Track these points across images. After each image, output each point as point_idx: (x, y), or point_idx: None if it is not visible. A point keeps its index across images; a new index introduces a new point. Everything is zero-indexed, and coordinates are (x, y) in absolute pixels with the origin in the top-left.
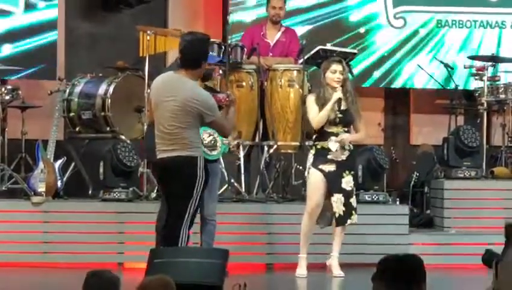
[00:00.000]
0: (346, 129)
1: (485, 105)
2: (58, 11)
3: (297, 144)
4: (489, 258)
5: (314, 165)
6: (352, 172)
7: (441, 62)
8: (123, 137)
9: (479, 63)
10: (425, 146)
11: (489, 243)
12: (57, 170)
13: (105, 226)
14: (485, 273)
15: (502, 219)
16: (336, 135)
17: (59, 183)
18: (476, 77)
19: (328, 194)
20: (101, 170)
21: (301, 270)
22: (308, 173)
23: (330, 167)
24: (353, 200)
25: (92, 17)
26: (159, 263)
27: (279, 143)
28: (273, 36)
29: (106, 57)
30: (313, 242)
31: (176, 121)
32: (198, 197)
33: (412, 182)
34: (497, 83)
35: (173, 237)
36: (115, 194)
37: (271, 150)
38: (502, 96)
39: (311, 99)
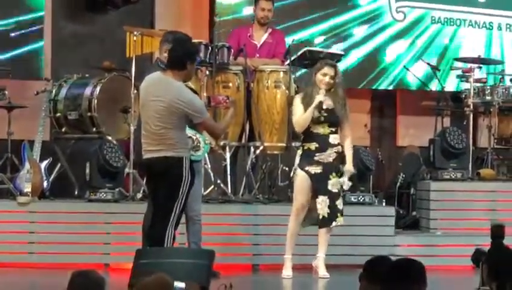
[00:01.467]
0: (333, 129)
1: (471, 107)
2: (45, 12)
3: (284, 145)
4: (478, 258)
5: (300, 166)
6: (339, 173)
7: (428, 64)
8: (109, 138)
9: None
10: (411, 147)
11: (475, 244)
12: (43, 170)
13: (91, 227)
14: (471, 274)
15: (487, 220)
16: (323, 135)
17: (45, 184)
18: (463, 79)
19: (314, 195)
20: (87, 170)
21: (287, 271)
22: (294, 173)
23: (316, 169)
24: (339, 203)
25: (78, 17)
26: (145, 263)
27: (265, 144)
28: (260, 37)
29: (93, 57)
30: (299, 243)
31: (161, 121)
32: (184, 198)
33: (398, 184)
34: (484, 84)
35: (159, 238)
36: (101, 195)
37: (257, 151)
38: (488, 98)
39: (297, 100)
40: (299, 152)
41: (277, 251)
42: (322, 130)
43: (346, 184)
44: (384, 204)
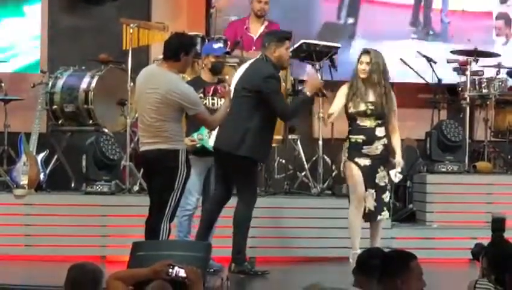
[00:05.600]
0: (379, 122)
1: (468, 100)
2: (41, 4)
3: (280, 137)
4: (478, 251)
5: (350, 158)
6: (386, 168)
7: (424, 56)
8: (106, 130)
9: (461, 58)
10: (408, 140)
11: (471, 237)
12: (39, 162)
13: (88, 219)
14: (467, 267)
15: (484, 213)
16: (369, 128)
17: (42, 176)
18: (459, 71)
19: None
20: (84, 163)
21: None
22: (344, 166)
23: (365, 161)
24: (385, 196)
25: (75, 9)
26: (141, 255)
27: None
28: (256, 30)
29: (89, 49)
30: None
31: (156, 113)
32: (179, 191)
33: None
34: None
35: (154, 230)
36: (97, 187)
37: None
38: (485, 90)
39: (341, 91)
40: (346, 144)
41: (273, 243)
42: (369, 122)
43: (398, 176)
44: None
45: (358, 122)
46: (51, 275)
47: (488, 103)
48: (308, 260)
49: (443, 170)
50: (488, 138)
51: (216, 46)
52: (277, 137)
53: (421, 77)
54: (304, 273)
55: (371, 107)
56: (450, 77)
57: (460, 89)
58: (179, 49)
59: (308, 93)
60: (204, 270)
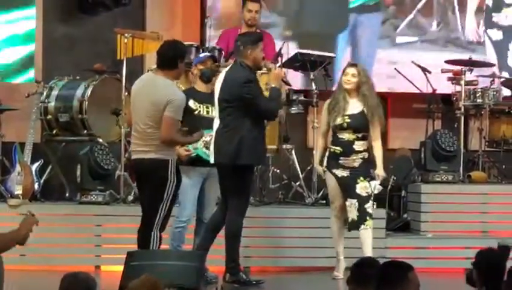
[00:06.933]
0: (358, 135)
1: (463, 109)
2: (35, 13)
3: (275, 147)
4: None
5: (328, 168)
6: (367, 178)
7: (419, 66)
8: (100, 140)
9: (456, 67)
10: (402, 150)
11: (465, 247)
12: (33, 172)
13: (82, 229)
14: (462, 277)
15: (478, 223)
16: (347, 141)
17: (36, 186)
18: (453, 81)
19: (344, 198)
20: (78, 172)
21: (336, 272)
22: (325, 174)
23: (343, 173)
24: (368, 206)
25: (69, 19)
26: (136, 265)
27: None
28: None
29: (84, 59)
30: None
31: (150, 120)
32: (169, 201)
33: (389, 186)
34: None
35: (145, 239)
36: (92, 197)
37: None
38: (479, 100)
39: (324, 108)
40: (327, 153)
41: (267, 253)
42: (347, 135)
43: (377, 188)
44: (375, 206)
45: (337, 134)
46: (45, 285)
47: (482, 112)
48: (302, 270)
49: (437, 179)
50: (482, 148)
51: (202, 54)
52: (271, 146)
53: (416, 87)
54: (298, 283)
55: (347, 120)
56: (444, 86)
57: (454, 98)
58: (175, 57)
59: (274, 85)
60: (198, 279)
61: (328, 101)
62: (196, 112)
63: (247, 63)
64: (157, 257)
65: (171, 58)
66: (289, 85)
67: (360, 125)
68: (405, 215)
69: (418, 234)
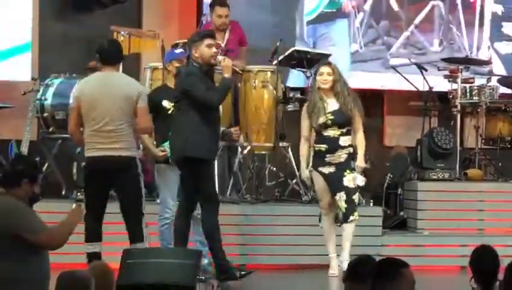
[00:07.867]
0: (343, 131)
1: (459, 107)
2: (31, 11)
3: (271, 145)
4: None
5: (314, 166)
6: (353, 171)
7: (415, 64)
8: None
9: (452, 65)
10: (399, 148)
11: (462, 245)
12: None
13: (78, 227)
14: (458, 275)
15: (475, 220)
16: (333, 138)
17: None
18: (450, 79)
19: (332, 194)
20: (75, 170)
21: (332, 270)
22: (311, 174)
23: (330, 169)
24: (355, 197)
25: (65, 17)
26: (132, 263)
27: (253, 144)
28: (222, 39)
29: (80, 57)
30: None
31: (124, 116)
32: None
33: (386, 184)
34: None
35: (139, 235)
36: None
37: (245, 151)
38: (476, 98)
39: (302, 113)
40: (311, 153)
41: (264, 251)
42: (332, 132)
43: (360, 179)
44: (371, 204)
45: (322, 132)
46: None
47: (479, 110)
48: (298, 267)
49: (434, 177)
50: (479, 146)
51: (177, 51)
52: (268, 144)
53: (412, 85)
54: (294, 281)
55: (330, 117)
56: (441, 84)
57: (451, 96)
58: (118, 51)
59: (226, 75)
60: (194, 277)
61: (304, 107)
62: (170, 112)
63: (196, 60)
64: (153, 255)
65: (119, 54)
66: (240, 73)
67: (343, 120)
68: (401, 213)
69: (414, 232)
